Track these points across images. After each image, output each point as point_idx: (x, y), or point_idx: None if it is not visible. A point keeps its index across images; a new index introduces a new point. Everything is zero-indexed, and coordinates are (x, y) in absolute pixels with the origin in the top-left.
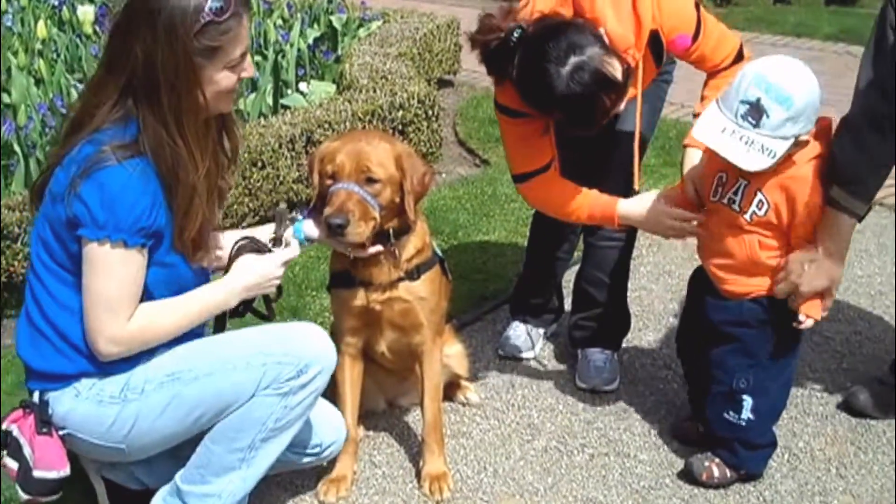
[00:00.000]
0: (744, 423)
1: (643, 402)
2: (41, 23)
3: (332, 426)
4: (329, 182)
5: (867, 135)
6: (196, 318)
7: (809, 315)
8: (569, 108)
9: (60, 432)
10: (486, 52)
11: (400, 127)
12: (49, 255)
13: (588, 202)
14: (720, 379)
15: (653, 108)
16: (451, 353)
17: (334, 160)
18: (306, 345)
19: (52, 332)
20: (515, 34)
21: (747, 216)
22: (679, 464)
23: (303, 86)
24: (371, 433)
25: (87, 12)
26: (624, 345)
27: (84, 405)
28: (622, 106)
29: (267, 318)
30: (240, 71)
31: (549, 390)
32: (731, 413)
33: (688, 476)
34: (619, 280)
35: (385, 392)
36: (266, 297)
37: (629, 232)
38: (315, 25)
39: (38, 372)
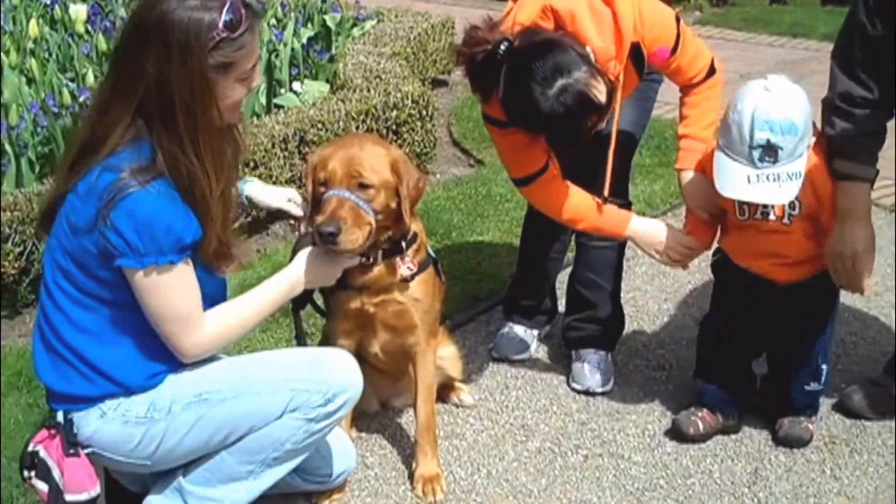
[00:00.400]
0: (821, 388)
1: (637, 404)
2: (33, 21)
3: (344, 456)
4: (322, 189)
5: (853, 112)
6: (268, 310)
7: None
8: (552, 129)
9: (86, 450)
10: (473, 66)
11: (394, 127)
12: (69, 282)
13: (595, 214)
14: (806, 360)
15: (642, 108)
16: (444, 356)
17: (326, 167)
18: (336, 373)
19: (72, 355)
20: (502, 47)
21: (786, 220)
22: (673, 465)
23: (296, 85)
24: (364, 434)
25: (79, 11)
26: (618, 346)
27: (110, 425)
28: (604, 124)
29: (325, 313)
30: (250, 82)
31: (542, 391)
32: (812, 384)
33: (792, 443)
34: (612, 280)
35: (378, 393)
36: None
37: None
38: (309, 25)
39: (61, 394)
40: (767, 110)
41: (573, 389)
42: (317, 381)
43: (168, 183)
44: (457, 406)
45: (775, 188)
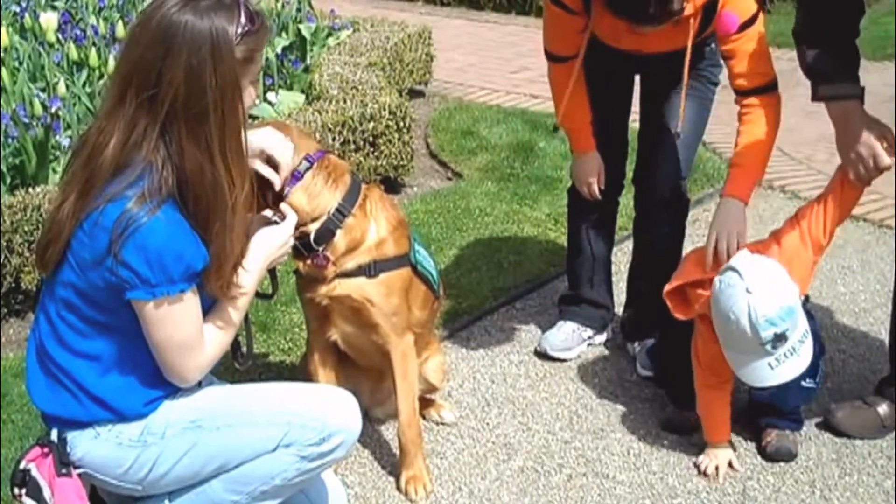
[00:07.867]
0: (816, 385)
1: (622, 422)
2: (2, 30)
3: None
4: None
5: (817, 35)
6: (246, 308)
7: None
8: None
9: (78, 471)
10: None
11: (370, 139)
12: (72, 313)
13: (587, 125)
14: None
15: (701, 107)
16: (429, 367)
17: None
18: (333, 412)
19: (69, 380)
20: None
21: None
22: (659, 485)
23: (271, 95)
24: None
25: (49, 19)
26: (603, 362)
27: (103, 447)
28: (670, 20)
29: (269, 296)
30: (251, 93)
31: (524, 409)
32: (808, 380)
33: (783, 457)
34: (668, 269)
35: (361, 397)
36: (272, 272)
37: (679, 221)
38: (283, 34)
39: (54, 417)
40: (762, 312)
41: (646, 378)
42: (314, 418)
43: (176, 204)
44: (437, 423)
45: (796, 359)
